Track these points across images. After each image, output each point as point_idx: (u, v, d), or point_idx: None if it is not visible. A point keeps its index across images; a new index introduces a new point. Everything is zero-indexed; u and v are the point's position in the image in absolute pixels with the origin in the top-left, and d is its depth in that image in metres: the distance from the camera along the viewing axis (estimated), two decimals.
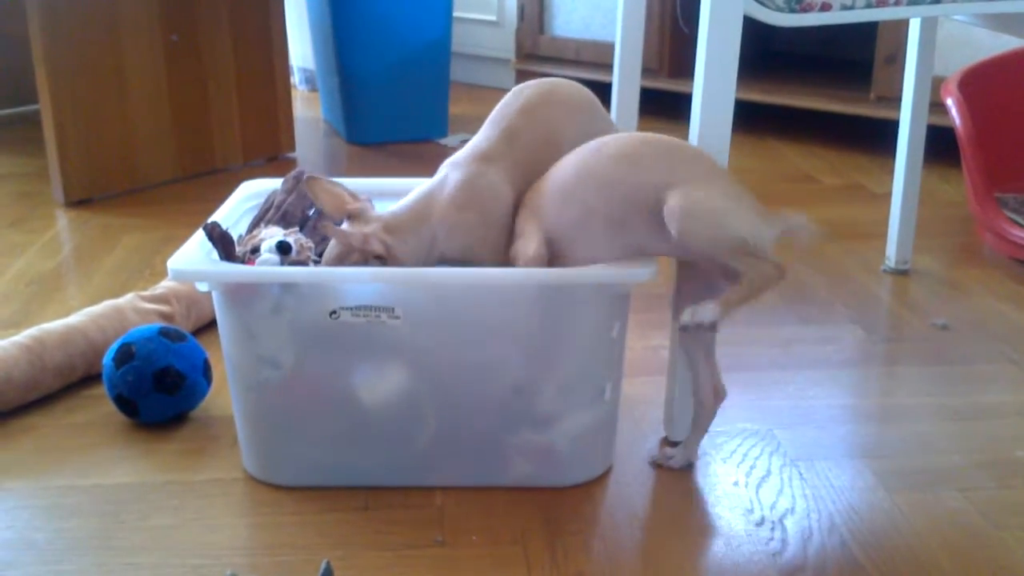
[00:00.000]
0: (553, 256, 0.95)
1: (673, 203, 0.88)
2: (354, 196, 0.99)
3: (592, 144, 0.97)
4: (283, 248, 0.97)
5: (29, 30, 1.78)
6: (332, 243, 0.97)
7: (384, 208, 1.00)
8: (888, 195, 1.57)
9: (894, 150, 1.54)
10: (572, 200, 0.94)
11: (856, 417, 1.16)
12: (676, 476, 1.03)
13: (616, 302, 0.95)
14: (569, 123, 1.00)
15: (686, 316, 0.90)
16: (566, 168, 0.96)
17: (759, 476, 1.02)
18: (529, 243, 0.94)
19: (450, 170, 1.00)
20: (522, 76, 2.75)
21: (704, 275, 0.96)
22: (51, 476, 1.02)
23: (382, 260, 0.94)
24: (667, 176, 0.91)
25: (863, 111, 2.24)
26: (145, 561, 0.89)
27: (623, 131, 1.03)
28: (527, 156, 0.99)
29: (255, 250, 0.99)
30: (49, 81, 1.80)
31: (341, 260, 0.95)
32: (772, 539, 0.92)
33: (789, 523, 0.95)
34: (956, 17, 1.38)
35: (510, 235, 0.98)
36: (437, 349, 0.94)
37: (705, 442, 1.08)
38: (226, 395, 1.05)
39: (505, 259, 0.97)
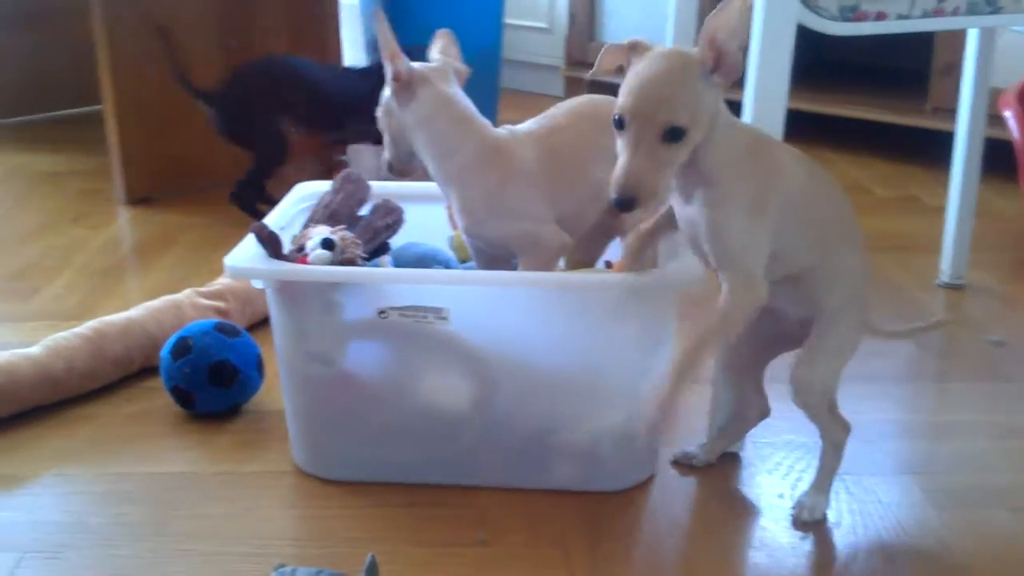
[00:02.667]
0: None
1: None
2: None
3: None
4: (327, 244, 0.99)
5: (94, 33, 1.84)
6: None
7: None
8: (943, 208, 1.54)
9: (950, 162, 1.51)
10: None
11: (906, 433, 1.14)
12: (719, 485, 1.02)
13: (664, 307, 0.95)
14: (605, 136, 1.01)
15: (805, 515, 0.95)
16: None
17: (805, 489, 1.01)
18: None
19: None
20: (571, 83, 2.76)
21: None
22: (108, 463, 1.05)
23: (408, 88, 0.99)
24: None
25: (919, 122, 2.20)
26: (197, 548, 0.91)
27: None
28: (560, 140, 1.01)
29: (300, 248, 1.01)
30: (113, 83, 1.85)
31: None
32: (816, 553, 0.91)
33: (834, 538, 0.94)
34: (1015, 28, 1.35)
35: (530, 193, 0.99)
36: (485, 349, 0.95)
37: (751, 452, 1.07)
38: (278, 390, 1.07)
39: (511, 225, 0.98)
